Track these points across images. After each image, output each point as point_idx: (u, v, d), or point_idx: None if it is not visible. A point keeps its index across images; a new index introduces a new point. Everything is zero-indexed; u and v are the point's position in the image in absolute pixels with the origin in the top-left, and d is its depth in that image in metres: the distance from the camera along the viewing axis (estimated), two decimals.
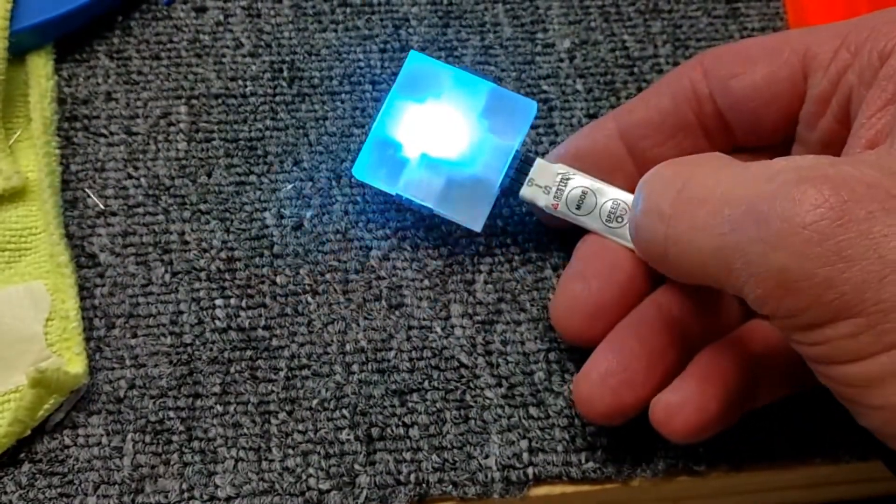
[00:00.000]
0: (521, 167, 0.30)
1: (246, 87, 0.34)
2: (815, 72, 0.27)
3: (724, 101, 0.28)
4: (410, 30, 0.35)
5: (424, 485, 0.28)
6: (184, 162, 0.33)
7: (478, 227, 0.30)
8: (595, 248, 0.29)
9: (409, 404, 0.29)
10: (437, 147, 0.30)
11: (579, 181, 0.29)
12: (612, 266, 0.28)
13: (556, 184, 0.29)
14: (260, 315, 0.30)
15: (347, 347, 0.30)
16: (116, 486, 0.28)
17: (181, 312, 0.30)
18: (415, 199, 0.30)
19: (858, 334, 0.21)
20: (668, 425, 0.26)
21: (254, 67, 0.34)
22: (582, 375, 0.28)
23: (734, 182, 0.23)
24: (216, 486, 0.28)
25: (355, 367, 0.30)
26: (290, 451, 0.29)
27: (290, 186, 0.32)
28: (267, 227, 0.32)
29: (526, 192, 0.30)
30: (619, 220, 0.29)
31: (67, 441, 0.28)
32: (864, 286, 0.20)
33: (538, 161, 0.30)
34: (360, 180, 0.30)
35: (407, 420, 0.29)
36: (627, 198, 0.29)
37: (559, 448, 0.29)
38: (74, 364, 0.29)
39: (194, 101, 0.34)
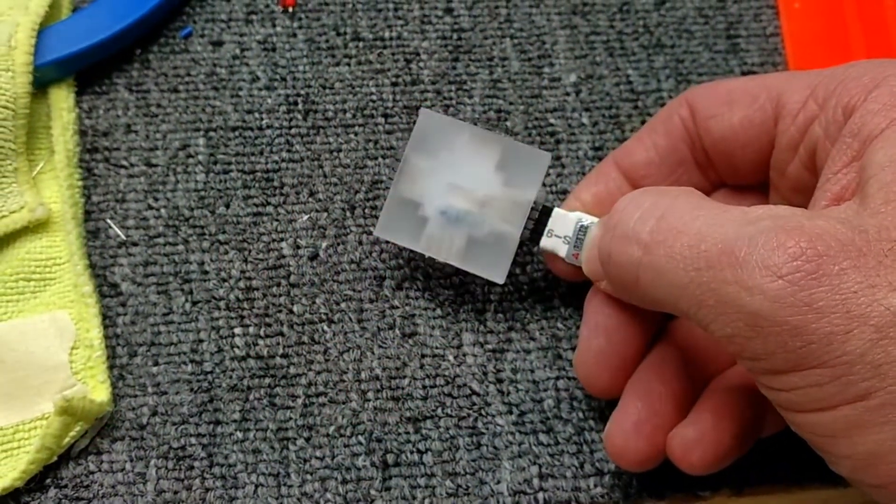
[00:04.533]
0: (539, 218, 0.30)
1: (262, 119, 0.35)
2: (783, 119, 0.27)
3: (706, 139, 0.29)
4: (421, 64, 0.36)
5: None
6: (202, 193, 0.34)
7: (500, 279, 0.30)
8: (610, 297, 0.29)
9: (423, 431, 0.30)
10: (456, 203, 0.30)
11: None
12: (631, 315, 0.28)
13: (575, 232, 0.29)
14: (278, 343, 0.31)
15: (363, 375, 0.31)
16: None
17: (201, 341, 0.31)
18: (437, 258, 0.30)
19: (823, 384, 0.21)
20: (686, 460, 0.27)
21: (269, 100, 0.35)
22: (615, 427, 0.28)
23: (712, 220, 0.24)
24: None
25: (370, 395, 0.31)
26: (309, 477, 0.30)
27: (305, 217, 0.33)
28: (284, 257, 0.33)
29: (546, 243, 0.30)
30: None
31: (92, 467, 0.29)
32: (831, 338, 0.21)
33: (556, 210, 0.30)
34: (384, 239, 0.31)
35: (421, 446, 0.30)
36: None
37: (568, 474, 0.30)
38: (99, 392, 0.30)
39: (212, 134, 0.35)
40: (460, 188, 0.30)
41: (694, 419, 0.27)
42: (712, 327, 0.23)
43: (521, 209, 0.30)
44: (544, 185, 0.34)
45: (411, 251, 0.31)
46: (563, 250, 0.30)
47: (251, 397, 0.31)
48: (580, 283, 0.31)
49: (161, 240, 0.33)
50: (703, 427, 0.27)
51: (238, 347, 0.31)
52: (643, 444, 0.27)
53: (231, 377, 0.31)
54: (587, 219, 0.29)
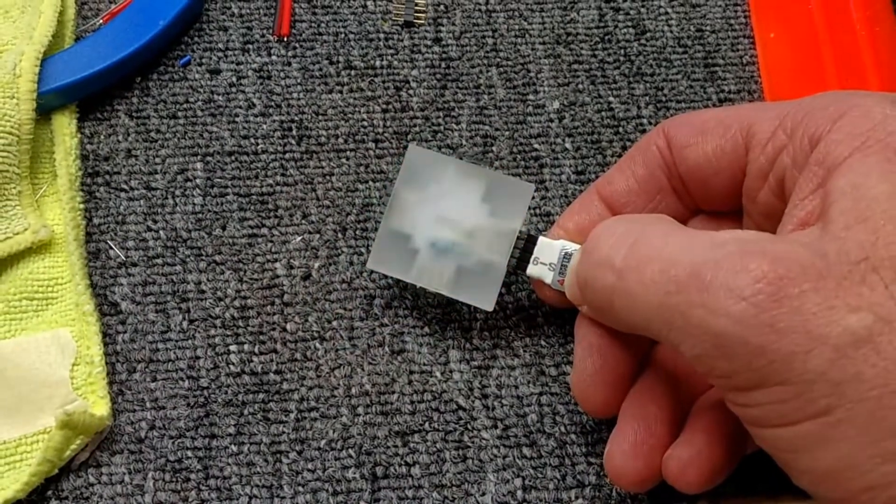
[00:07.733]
0: (525, 247, 0.31)
1: (257, 144, 0.36)
2: (754, 148, 0.28)
3: (682, 167, 0.30)
4: (411, 91, 0.38)
5: None
6: (200, 215, 0.35)
7: (489, 307, 0.31)
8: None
9: (411, 445, 0.32)
10: (444, 235, 0.31)
11: None
12: (621, 333, 0.29)
13: (560, 259, 0.31)
14: (271, 360, 0.33)
15: (353, 391, 0.32)
16: None
17: (198, 357, 0.33)
18: (428, 288, 0.31)
19: (785, 401, 0.23)
20: (683, 479, 0.28)
21: (265, 126, 0.37)
22: (614, 449, 0.29)
23: (681, 245, 0.25)
24: None
25: (360, 410, 0.32)
26: (301, 489, 0.31)
27: (298, 239, 0.35)
28: (277, 277, 0.34)
29: (532, 270, 0.31)
30: None
31: (92, 479, 0.30)
32: (792, 357, 0.22)
33: (541, 239, 0.31)
34: (377, 271, 0.32)
35: (409, 459, 0.31)
36: None
37: (551, 486, 0.31)
38: (99, 407, 0.31)
39: (209, 158, 0.36)
40: (448, 220, 0.31)
41: (687, 439, 0.28)
42: (682, 348, 0.24)
43: (507, 238, 0.31)
44: (529, 208, 0.36)
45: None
46: (548, 277, 0.31)
47: (245, 412, 0.32)
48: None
49: (160, 260, 0.34)
50: (697, 446, 0.28)
51: (233, 364, 0.32)
52: (641, 464, 0.28)
53: (226, 393, 0.32)
54: (570, 246, 0.31)
